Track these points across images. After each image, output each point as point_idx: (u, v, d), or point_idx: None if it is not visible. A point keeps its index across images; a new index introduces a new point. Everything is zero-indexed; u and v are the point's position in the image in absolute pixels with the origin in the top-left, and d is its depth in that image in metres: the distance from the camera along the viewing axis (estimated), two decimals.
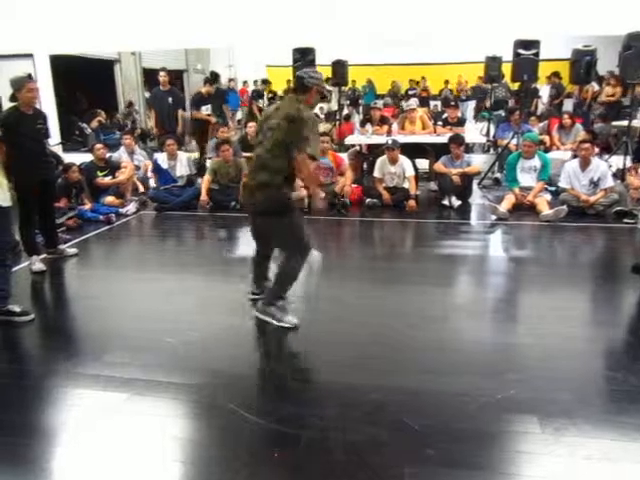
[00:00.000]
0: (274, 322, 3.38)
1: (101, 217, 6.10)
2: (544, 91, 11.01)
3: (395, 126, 7.46)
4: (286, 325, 3.35)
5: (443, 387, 2.73)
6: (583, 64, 7.99)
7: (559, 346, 3.13)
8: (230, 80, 14.71)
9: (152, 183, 7.20)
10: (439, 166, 6.58)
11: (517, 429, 2.39)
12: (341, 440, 2.33)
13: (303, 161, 3.11)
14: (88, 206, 6.27)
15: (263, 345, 3.36)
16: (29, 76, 4.44)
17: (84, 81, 10.91)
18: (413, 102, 8.13)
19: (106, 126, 10.59)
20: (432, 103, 13.45)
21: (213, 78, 10.79)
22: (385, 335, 3.31)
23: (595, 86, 10.08)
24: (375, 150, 7.54)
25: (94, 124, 10.49)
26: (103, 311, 3.79)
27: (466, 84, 14.52)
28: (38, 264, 4.48)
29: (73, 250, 4.99)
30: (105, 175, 6.66)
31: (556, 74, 10.54)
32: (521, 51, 7.08)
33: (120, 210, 6.41)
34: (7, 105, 4.49)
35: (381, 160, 6.63)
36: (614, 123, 8.65)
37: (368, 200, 6.63)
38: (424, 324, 3.47)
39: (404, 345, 3.19)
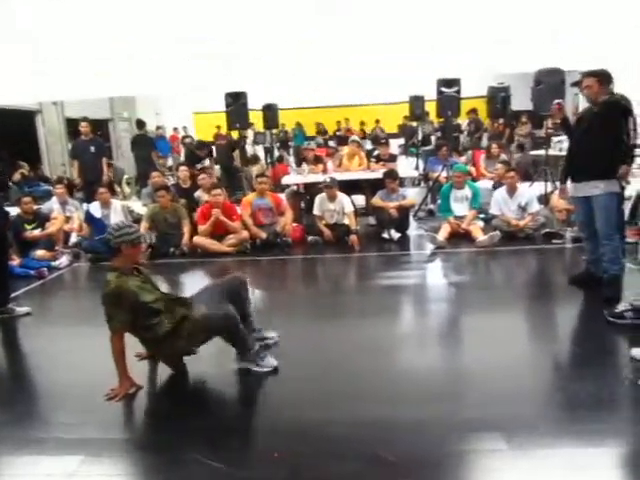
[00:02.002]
0: (256, 368, 3.23)
1: (32, 272, 5.77)
2: (464, 126, 11.70)
3: (330, 164, 7.63)
4: (267, 369, 3.22)
5: (406, 415, 2.74)
6: (499, 100, 8.61)
7: (511, 364, 3.24)
8: (158, 128, 14.64)
9: (73, 238, 6.90)
10: (376, 201, 6.76)
11: (485, 447, 2.43)
12: (316, 477, 2.28)
13: (112, 340, 3.03)
14: (16, 262, 5.93)
15: (219, 390, 3.23)
16: None
17: (3, 133, 10.47)
18: (356, 137, 8.39)
19: (30, 178, 10.15)
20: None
21: (139, 125, 10.73)
22: (341, 369, 3.30)
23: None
24: (311, 189, 7.67)
25: (16, 177, 10.05)
26: (45, 370, 3.56)
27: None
28: None
29: (25, 309, 4.62)
30: (33, 228, 6.35)
31: (474, 110, 11.24)
32: (444, 89, 7.50)
33: (52, 263, 6.10)
34: None
35: (320, 198, 6.73)
36: (531, 152, 9.28)
37: (310, 238, 6.69)
38: (377, 355, 3.47)
39: (361, 377, 3.18)
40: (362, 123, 16.27)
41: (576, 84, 4.66)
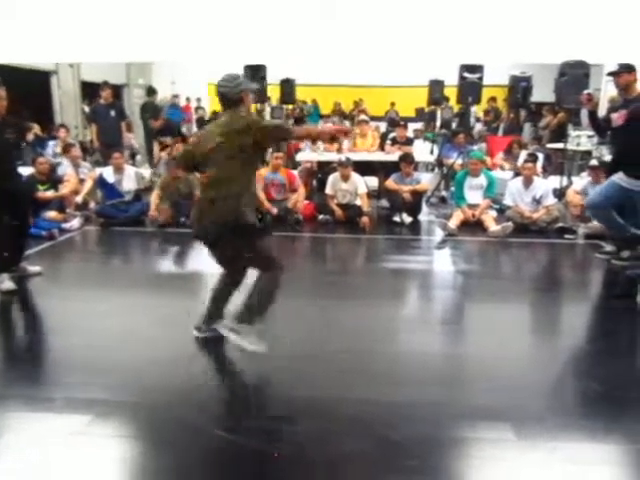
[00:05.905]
0: (245, 345, 3.03)
1: (43, 233, 5.78)
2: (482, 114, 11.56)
3: (346, 143, 7.56)
4: (255, 348, 3.03)
5: (414, 398, 2.75)
6: (520, 89, 8.47)
7: (518, 355, 3.25)
8: (173, 96, 14.51)
9: (78, 198, 6.71)
10: (390, 183, 6.70)
11: (493, 436, 2.44)
12: (322, 454, 2.30)
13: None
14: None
15: (229, 362, 3.26)
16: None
17: (17, 92, 10.39)
18: (363, 116, 8.30)
19: (43, 139, 10.10)
20: (373, 124, 13.83)
21: (149, 92, 10.62)
22: (350, 349, 3.29)
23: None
24: (325, 167, 7.63)
25: (29, 137, 9.98)
26: (54, 331, 3.58)
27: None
28: (7, 282, 4.17)
29: (36, 268, 4.63)
30: (47, 189, 6.34)
31: (494, 99, 11.09)
32: (466, 75, 7.37)
33: (63, 226, 6.11)
34: None
35: (333, 177, 6.68)
36: (548, 145, 9.16)
37: (321, 217, 6.66)
38: (387, 338, 3.48)
39: (370, 358, 3.18)
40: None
41: (613, 74, 4.55)
